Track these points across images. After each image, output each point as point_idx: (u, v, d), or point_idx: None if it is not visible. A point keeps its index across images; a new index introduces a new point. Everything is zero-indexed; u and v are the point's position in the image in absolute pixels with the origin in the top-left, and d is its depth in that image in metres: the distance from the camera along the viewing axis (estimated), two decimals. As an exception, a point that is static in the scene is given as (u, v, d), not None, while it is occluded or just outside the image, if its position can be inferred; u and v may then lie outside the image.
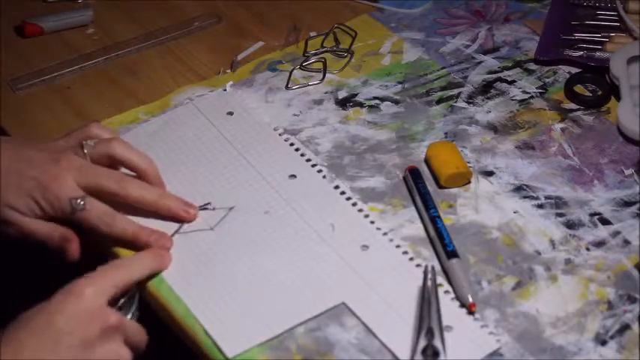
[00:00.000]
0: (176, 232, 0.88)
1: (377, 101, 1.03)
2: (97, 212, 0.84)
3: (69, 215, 0.84)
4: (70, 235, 0.85)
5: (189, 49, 1.11)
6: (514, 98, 1.04)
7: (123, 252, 0.86)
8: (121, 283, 0.79)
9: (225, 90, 1.04)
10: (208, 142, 0.98)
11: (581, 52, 1.08)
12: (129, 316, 0.80)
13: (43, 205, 0.84)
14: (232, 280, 0.84)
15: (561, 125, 1.01)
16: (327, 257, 0.86)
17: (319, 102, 1.03)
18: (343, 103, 1.03)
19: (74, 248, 0.85)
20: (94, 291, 0.76)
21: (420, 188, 0.91)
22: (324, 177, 0.94)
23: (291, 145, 0.97)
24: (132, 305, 0.81)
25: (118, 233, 0.85)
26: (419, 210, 0.90)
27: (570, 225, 0.90)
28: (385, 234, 0.88)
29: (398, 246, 0.87)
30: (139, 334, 0.79)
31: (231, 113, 1.01)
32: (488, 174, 0.95)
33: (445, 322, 0.79)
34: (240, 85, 1.05)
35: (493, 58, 1.09)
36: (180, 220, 0.88)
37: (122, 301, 0.81)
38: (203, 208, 0.89)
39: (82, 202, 0.84)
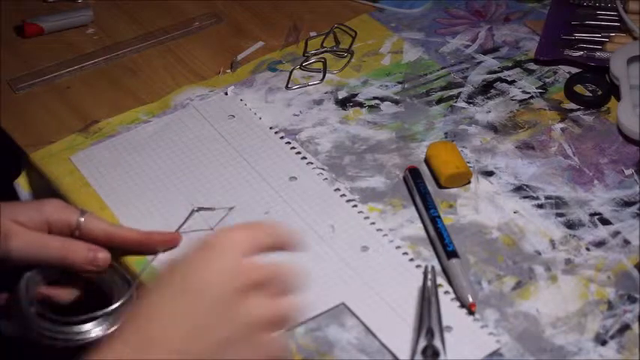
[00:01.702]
0: (176, 231, 0.88)
1: (377, 101, 1.03)
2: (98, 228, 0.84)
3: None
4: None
5: (189, 49, 1.11)
6: (514, 98, 1.04)
7: (129, 258, 0.86)
8: (260, 240, 0.71)
9: (226, 94, 1.04)
10: (209, 144, 0.98)
11: (581, 52, 1.08)
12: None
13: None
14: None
15: (561, 125, 1.01)
16: (327, 258, 0.86)
17: (319, 102, 1.03)
18: (343, 103, 1.03)
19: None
20: (236, 244, 0.70)
21: (420, 188, 0.91)
22: (324, 179, 0.94)
23: (292, 148, 0.97)
24: (131, 304, 0.81)
25: (119, 244, 0.85)
26: (419, 210, 0.90)
27: (570, 225, 0.90)
28: (385, 235, 0.88)
29: (398, 247, 0.87)
30: (290, 282, 0.71)
31: (232, 116, 1.01)
32: (488, 174, 0.95)
33: (445, 322, 0.79)
34: (240, 85, 1.05)
35: (493, 58, 1.09)
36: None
37: (121, 301, 0.81)
38: (205, 209, 0.89)
39: (82, 220, 0.84)
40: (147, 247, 0.86)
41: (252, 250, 0.70)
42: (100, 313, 0.80)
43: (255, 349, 0.69)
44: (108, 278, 0.83)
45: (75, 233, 0.83)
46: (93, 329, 0.80)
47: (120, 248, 0.85)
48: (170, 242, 0.87)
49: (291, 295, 0.71)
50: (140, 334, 0.67)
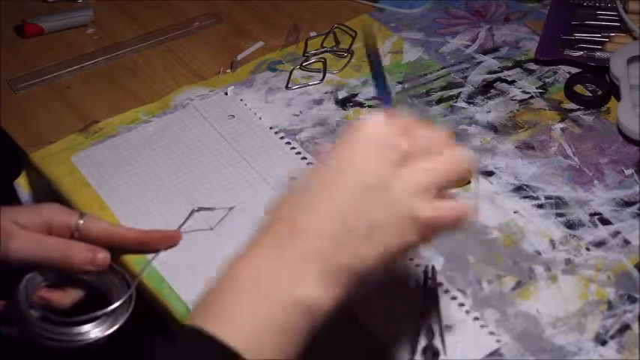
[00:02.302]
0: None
1: (377, 101, 1.03)
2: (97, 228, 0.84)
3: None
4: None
5: (189, 49, 1.11)
6: (514, 98, 1.04)
7: (128, 258, 0.86)
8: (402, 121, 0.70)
9: (226, 94, 1.04)
10: (209, 144, 0.98)
11: (581, 52, 1.08)
12: (125, 316, 0.80)
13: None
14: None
15: (561, 125, 1.01)
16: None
17: (319, 102, 1.03)
18: (343, 103, 1.03)
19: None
20: (377, 122, 0.68)
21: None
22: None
23: (292, 148, 0.97)
24: (130, 305, 0.81)
25: (119, 244, 0.85)
26: None
27: (570, 225, 0.90)
28: (385, 234, 0.88)
29: (398, 246, 0.87)
30: (438, 142, 0.69)
31: (232, 116, 1.01)
32: (489, 174, 0.95)
33: (445, 322, 0.79)
34: (240, 85, 1.05)
35: (493, 58, 1.09)
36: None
37: (120, 302, 0.81)
38: (205, 209, 0.89)
39: (81, 221, 0.84)
40: (147, 245, 0.86)
41: (395, 129, 0.68)
42: (99, 313, 0.80)
43: (415, 225, 0.66)
44: (107, 279, 0.83)
45: (74, 235, 0.83)
46: (92, 330, 0.80)
47: (120, 248, 0.85)
48: (170, 240, 0.87)
49: (454, 157, 0.69)
50: (294, 222, 0.66)
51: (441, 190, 0.68)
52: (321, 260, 0.65)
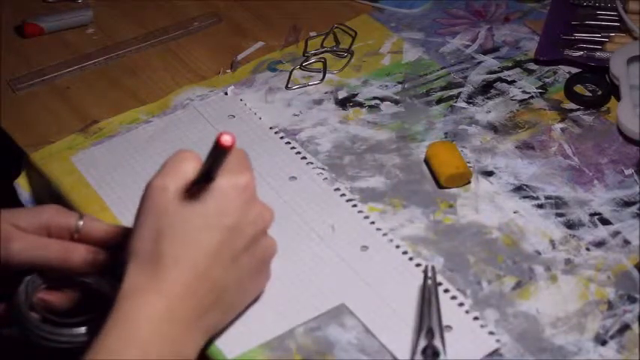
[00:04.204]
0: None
1: (377, 101, 1.03)
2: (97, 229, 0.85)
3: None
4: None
5: (189, 49, 1.11)
6: (514, 98, 1.04)
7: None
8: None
9: (226, 94, 1.04)
10: (209, 144, 0.98)
11: (581, 52, 1.08)
12: None
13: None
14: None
15: (561, 125, 1.01)
16: (327, 258, 0.86)
17: (319, 102, 1.04)
18: (343, 103, 1.03)
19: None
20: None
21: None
22: (324, 179, 0.94)
23: (292, 148, 0.97)
24: None
25: (117, 245, 0.85)
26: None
27: (570, 225, 0.90)
28: (385, 234, 0.88)
29: (398, 246, 0.87)
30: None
31: (232, 116, 1.01)
32: (488, 174, 0.95)
33: (445, 322, 0.79)
34: (240, 85, 1.05)
35: (493, 58, 1.09)
36: None
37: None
38: None
39: (80, 223, 0.84)
40: None
41: None
42: (99, 314, 0.80)
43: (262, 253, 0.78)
44: (107, 281, 0.83)
45: (74, 236, 0.83)
46: (92, 332, 0.80)
47: (120, 248, 0.85)
48: None
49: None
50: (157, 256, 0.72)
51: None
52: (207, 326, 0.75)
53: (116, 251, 0.84)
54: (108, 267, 0.82)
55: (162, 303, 0.71)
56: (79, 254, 0.81)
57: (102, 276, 0.83)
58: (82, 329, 0.79)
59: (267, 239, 0.79)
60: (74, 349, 0.79)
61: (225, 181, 0.75)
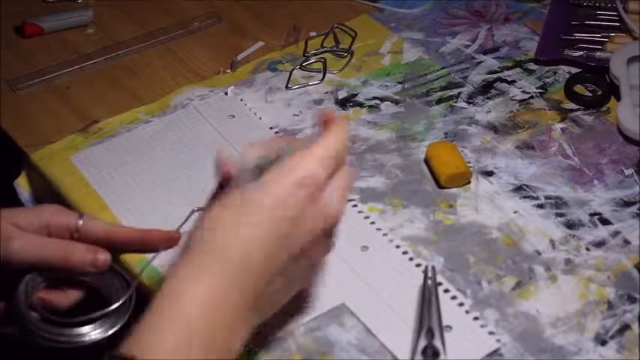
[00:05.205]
0: (176, 230, 0.88)
1: (377, 101, 1.03)
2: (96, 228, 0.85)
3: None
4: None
5: (189, 49, 1.11)
6: (514, 98, 1.04)
7: (128, 258, 0.86)
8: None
9: (226, 94, 1.04)
10: (209, 144, 0.98)
11: (581, 52, 1.08)
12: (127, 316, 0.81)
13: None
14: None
15: (561, 125, 1.01)
16: (327, 258, 0.86)
17: (319, 102, 1.04)
18: (343, 103, 1.03)
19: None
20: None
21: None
22: (324, 177, 0.94)
23: (292, 146, 0.97)
24: (130, 306, 0.81)
25: (119, 244, 0.85)
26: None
27: (570, 225, 0.90)
28: (385, 234, 0.88)
29: (398, 246, 0.87)
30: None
31: (232, 116, 1.01)
32: (488, 174, 0.95)
33: (445, 322, 0.79)
34: (240, 85, 1.05)
35: (493, 58, 1.09)
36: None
37: (120, 302, 0.81)
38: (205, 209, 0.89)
39: (80, 222, 0.84)
40: (147, 245, 0.86)
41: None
42: (98, 314, 0.80)
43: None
44: (107, 280, 0.83)
45: (74, 236, 0.83)
46: (92, 331, 0.80)
47: (120, 247, 0.85)
48: (170, 241, 0.87)
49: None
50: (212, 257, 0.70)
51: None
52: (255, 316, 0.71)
53: (116, 251, 0.85)
54: (108, 266, 0.82)
55: (210, 288, 0.68)
56: (78, 253, 0.81)
57: (102, 275, 0.83)
58: (82, 329, 0.80)
59: (325, 240, 0.75)
60: (74, 349, 0.80)
61: (286, 172, 0.72)
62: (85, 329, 0.80)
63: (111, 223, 0.87)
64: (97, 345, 0.80)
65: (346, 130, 0.75)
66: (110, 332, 0.80)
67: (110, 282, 0.83)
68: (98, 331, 0.80)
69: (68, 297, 0.83)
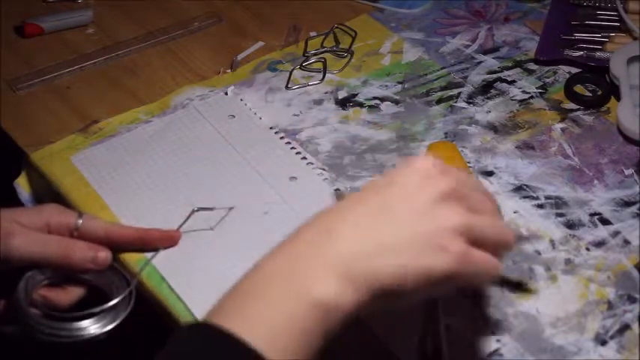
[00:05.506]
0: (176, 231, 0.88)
1: (377, 101, 1.03)
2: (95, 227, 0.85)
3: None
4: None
5: (189, 49, 1.11)
6: (514, 98, 1.04)
7: (128, 257, 0.86)
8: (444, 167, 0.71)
9: (226, 94, 1.04)
10: (209, 144, 0.98)
11: (581, 52, 1.08)
12: (126, 312, 0.81)
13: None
14: (232, 279, 0.84)
15: (561, 125, 1.01)
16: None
17: (319, 102, 1.03)
18: (343, 103, 1.03)
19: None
20: (429, 162, 0.70)
21: None
22: (324, 179, 0.94)
23: (292, 148, 0.97)
24: (130, 302, 0.82)
25: (118, 242, 0.85)
26: None
27: (570, 225, 0.90)
28: (385, 234, 0.88)
29: (398, 246, 0.87)
30: (482, 201, 0.71)
31: (232, 116, 1.01)
32: (489, 174, 0.95)
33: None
34: (240, 85, 1.05)
35: (493, 58, 1.09)
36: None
37: (120, 298, 0.81)
38: (205, 209, 0.90)
39: (80, 221, 0.84)
40: (146, 243, 0.86)
41: (439, 170, 0.70)
42: (99, 309, 0.80)
43: (443, 254, 0.66)
44: (107, 278, 0.83)
45: (74, 234, 0.83)
46: (92, 326, 0.80)
47: (119, 246, 0.85)
48: (169, 240, 0.87)
49: (489, 213, 0.70)
50: (332, 225, 0.67)
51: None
52: (346, 266, 0.65)
53: (116, 250, 0.85)
54: (108, 264, 0.83)
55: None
56: (79, 251, 0.81)
57: (102, 273, 0.83)
58: (82, 323, 0.80)
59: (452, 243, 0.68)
60: (74, 345, 0.80)
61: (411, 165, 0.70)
62: (85, 323, 0.80)
63: (110, 223, 0.87)
64: (97, 340, 0.80)
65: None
66: (110, 327, 0.80)
67: (110, 280, 0.83)
68: (97, 326, 0.80)
69: (69, 295, 0.83)
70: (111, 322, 0.80)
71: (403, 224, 0.67)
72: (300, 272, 0.65)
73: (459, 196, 0.69)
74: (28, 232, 0.81)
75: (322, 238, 0.67)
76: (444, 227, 0.67)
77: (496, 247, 0.70)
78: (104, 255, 0.82)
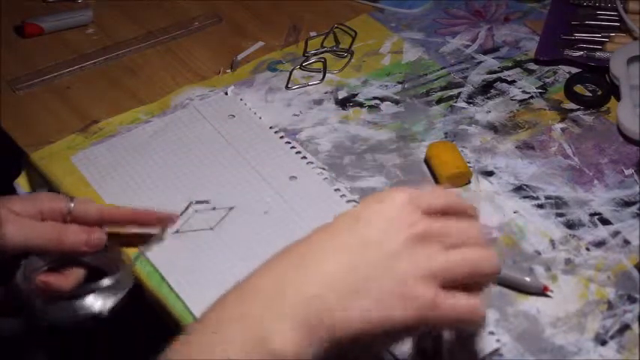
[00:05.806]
0: (176, 231, 0.88)
1: (377, 101, 1.03)
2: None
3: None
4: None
5: (189, 49, 1.11)
6: (514, 98, 1.04)
7: (125, 252, 0.86)
8: (424, 198, 0.69)
9: (226, 94, 1.04)
10: (209, 143, 0.98)
11: (581, 52, 1.08)
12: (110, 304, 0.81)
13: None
14: (232, 279, 0.84)
15: (561, 125, 1.01)
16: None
17: (319, 102, 1.04)
18: (343, 103, 1.03)
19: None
20: (405, 197, 0.68)
21: None
22: (324, 179, 0.94)
23: (292, 147, 0.97)
24: (131, 279, 0.82)
25: (112, 222, 0.85)
26: None
27: (570, 225, 0.90)
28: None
29: (398, 246, 0.87)
30: (464, 230, 0.68)
31: (232, 116, 1.01)
32: (488, 174, 0.95)
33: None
34: (240, 85, 1.05)
35: (493, 58, 1.09)
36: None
37: (120, 273, 0.81)
38: (201, 202, 0.90)
39: (71, 205, 0.84)
40: (143, 223, 0.86)
41: (415, 205, 0.68)
42: (99, 284, 0.80)
43: (407, 304, 0.64)
44: (108, 259, 0.83)
45: (67, 219, 0.83)
46: (95, 302, 0.80)
47: (114, 226, 0.85)
48: (167, 219, 0.87)
49: (477, 249, 0.67)
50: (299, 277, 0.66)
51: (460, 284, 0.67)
52: (306, 313, 0.64)
53: (110, 228, 0.85)
54: (103, 245, 0.82)
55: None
56: (72, 234, 0.82)
57: (101, 255, 0.83)
58: (84, 301, 0.80)
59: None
60: (76, 324, 0.80)
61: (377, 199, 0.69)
62: (87, 301, 0.80)
63: (103, 205, 0.87)
64: (100, 317, 0.80)
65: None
66: (112, 303, 0.80)
67: (111, 260, 0.83)
68: (100, 302, 0.80)
69: (70, 278, 0.83)
70: (114, 296, 0.80)
71: (372, 267, 0.65)
72: (260, 317, 0.65)
73: (437, 234, 0.67)
74: (20, 219, 0.81)
75: (286, 280, 0.66)
76: (412, 274, 0.65)
77: (479, 281, 0.68)
78: (97, 236, 0.82)
